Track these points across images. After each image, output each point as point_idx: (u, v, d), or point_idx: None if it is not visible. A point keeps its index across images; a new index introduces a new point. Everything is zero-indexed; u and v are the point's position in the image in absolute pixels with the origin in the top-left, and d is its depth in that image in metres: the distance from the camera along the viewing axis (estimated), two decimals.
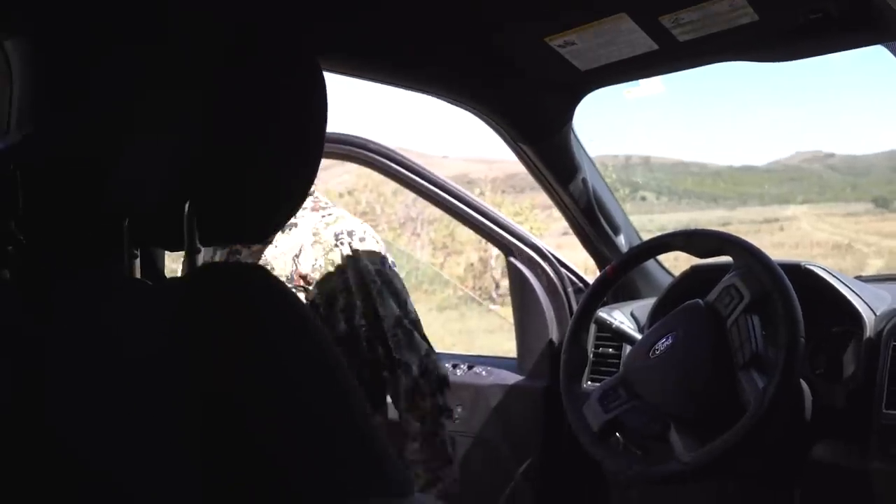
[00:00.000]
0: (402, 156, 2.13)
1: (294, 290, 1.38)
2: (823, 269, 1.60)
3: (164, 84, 0.70)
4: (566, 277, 2.17)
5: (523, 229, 2.24)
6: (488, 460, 2.09)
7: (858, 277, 1.87)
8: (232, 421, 0.59)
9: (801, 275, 1.58)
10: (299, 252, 1.42)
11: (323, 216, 1.46)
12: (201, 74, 0.69)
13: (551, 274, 2.15)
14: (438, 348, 1.60)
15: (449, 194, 2.15)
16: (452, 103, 1.49)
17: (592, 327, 1.88)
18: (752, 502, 1.68)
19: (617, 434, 1.52)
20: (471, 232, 2.31)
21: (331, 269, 1.41)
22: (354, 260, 1.42)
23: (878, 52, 1.30)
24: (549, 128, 1.64)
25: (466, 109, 1.53)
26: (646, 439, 1.45)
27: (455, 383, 1.74)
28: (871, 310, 1.54)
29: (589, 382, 1.86)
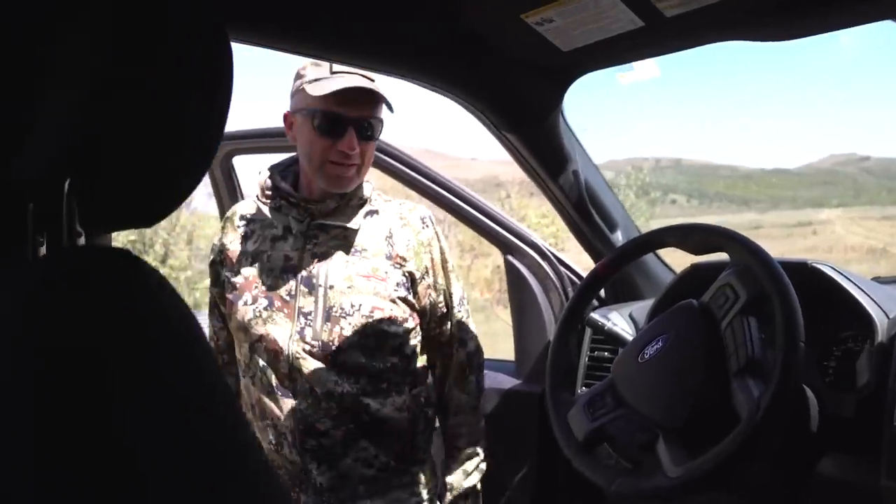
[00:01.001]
0: (395, 148, 2.04)
1: (392, 266, 1.51)
2: (832, 267, 1.48)
3: (60, 52, 0.61)
4: (566, 277, 2.07)
5: (523, 227, 2.15)
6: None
7: (876, 279, 1.74)
8: (88, 409, 0.51)
9: (806, 274, 1.46)
10: (390, 234, 1.54)
11: (401, 204, 1.61)
12: (95, 37, 0.60)
13: (550, 273, 2.05)
14: None
15: (446, 190, 2.06)
16: (429, 88, 1.39)
17: (588, 330, 1.78)
18: None
19: (606, 444, 1.43)
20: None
21: (422, 248, 1.55)
22: (437, 241, 1.59)
23: None
24: (534, 115, 1.53)
25: (445, 95, 1.43)
26: (634, 450, 1.35)
27: None
28: (884, 312, 1.41)
29: (583, 388, 1.76)
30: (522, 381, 2.08)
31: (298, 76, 1.46)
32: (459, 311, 1.62)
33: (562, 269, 2.07)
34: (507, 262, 2.13)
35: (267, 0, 1.01)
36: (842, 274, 1.47)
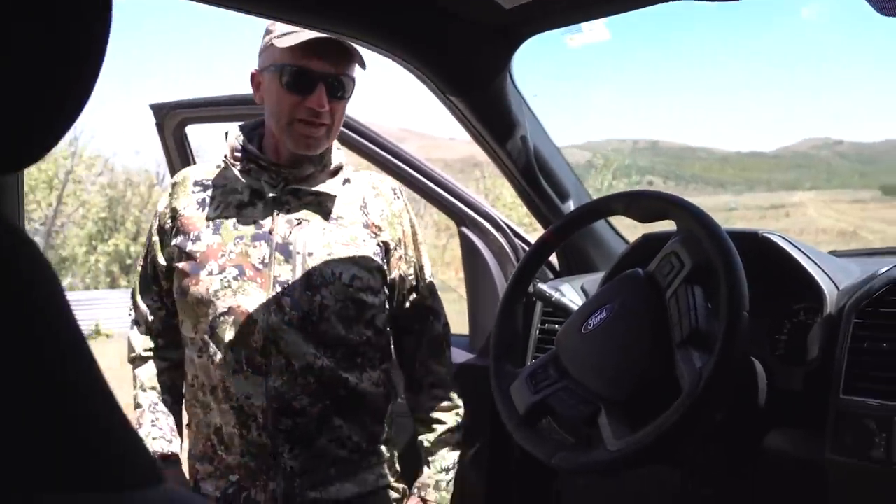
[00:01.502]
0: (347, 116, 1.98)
1: (369, 235, 1.46)
2: (783, 237, 1.45)
3: None
4: (521, 249, 2.02)
5: (478, 198, 2.10)
6: None
7: (833, 252, 1.72)
8: None
9: (757, 243, 1.42)
10: (364, 203, 1.49)
11: (371, 174, 1.57)
12: None
13: (504, 244, 2.01)
14: None
15: (399, 160, 2.00)
16: (368, 48, 1.33)
17: (539, 302, 1.74)
18: (699, 492, 1.53)
19: (550, 417, 1.39)
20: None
21: (395, 218, 1.52)
22: (407, 213, 1.55)
23: (892, 39, 1.13)
24: (479, 78, 1.47)
25: (388, 56, 1.37)
26: (577, 424, 1.31)
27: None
28: (835, 284, 1.38)
29: (534, 361, 1.72)
30: (476, 356, 2.04)
31: (267, 32, 1.39)
32: (429, 284, 1.57)
33: (517, 241, 2.03)
34: (460, 233, 2.08)
35: None
36: (792, 244, 1.43)
